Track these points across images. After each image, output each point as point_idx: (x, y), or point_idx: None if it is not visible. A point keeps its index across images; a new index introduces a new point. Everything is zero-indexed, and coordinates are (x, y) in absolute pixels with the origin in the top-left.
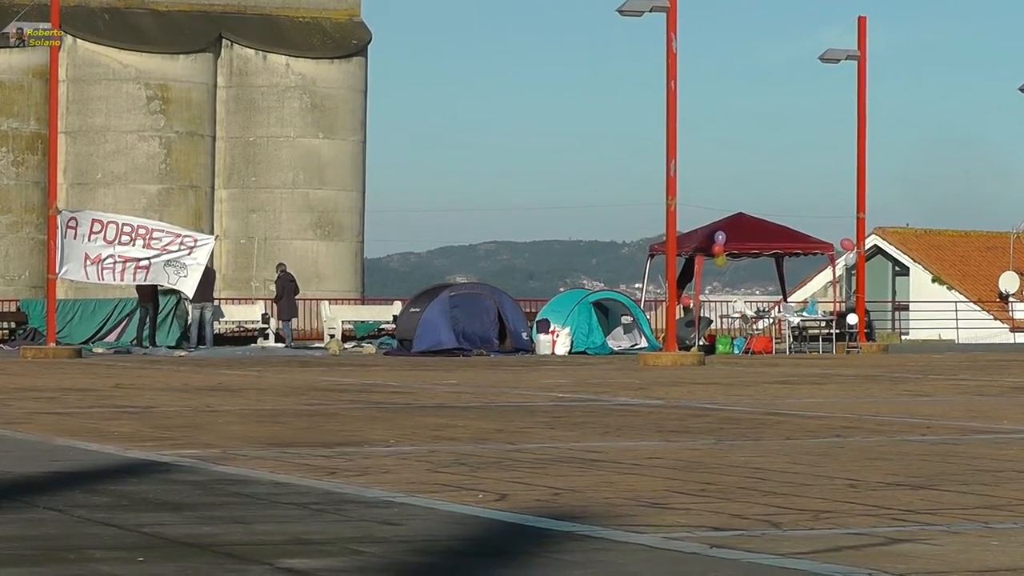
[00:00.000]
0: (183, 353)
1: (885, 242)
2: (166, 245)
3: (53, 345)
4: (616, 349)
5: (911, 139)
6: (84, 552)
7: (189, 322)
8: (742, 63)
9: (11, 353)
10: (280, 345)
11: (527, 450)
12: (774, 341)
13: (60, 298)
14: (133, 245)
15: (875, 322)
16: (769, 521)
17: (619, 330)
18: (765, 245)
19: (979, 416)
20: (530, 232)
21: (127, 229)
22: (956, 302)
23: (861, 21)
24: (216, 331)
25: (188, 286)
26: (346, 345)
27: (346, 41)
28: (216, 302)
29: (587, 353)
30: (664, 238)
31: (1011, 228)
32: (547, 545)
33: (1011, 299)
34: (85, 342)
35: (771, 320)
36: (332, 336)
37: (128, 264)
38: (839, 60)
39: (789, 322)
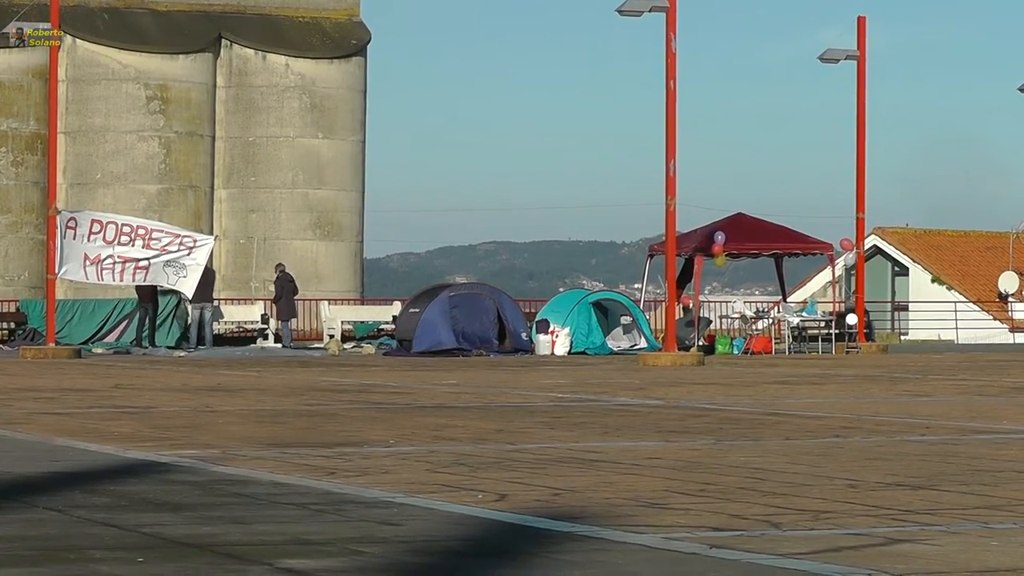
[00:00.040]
0: (183, 353)
1: (885, 242)
2: (165, 245)
3: (52, 345)
4: (615, 349)
5: (911, 139)
6: (84, 552)
7: (189, 322)
8: (742, 63)
9: (11, 353)
10: (277, 345)
11: (527, 450)
12: (773, 341)
13: (59, 298)
14: (132, 245)
15: (875, 322)
16: (769, 521)
17: (619, 330)
18: (765, 245)
19: (979, 416)
20: (530, 232)
21: (126, 229)
22: (955, 302)
23: (861, 21)
24: (216, 331)
25: (187, 286)
26: (345, 345)
27: (346, 41)
28: (216, 302)
29: (587, 353)
30: (664, 238)
31: (1011, 228)
32: (547, 545)
33: (1010, 299)
34: (84, 342)
35: (770, 320)
36: (332, 336)
37: (127, 264)
38: (839, 60)
39: (788, 322)
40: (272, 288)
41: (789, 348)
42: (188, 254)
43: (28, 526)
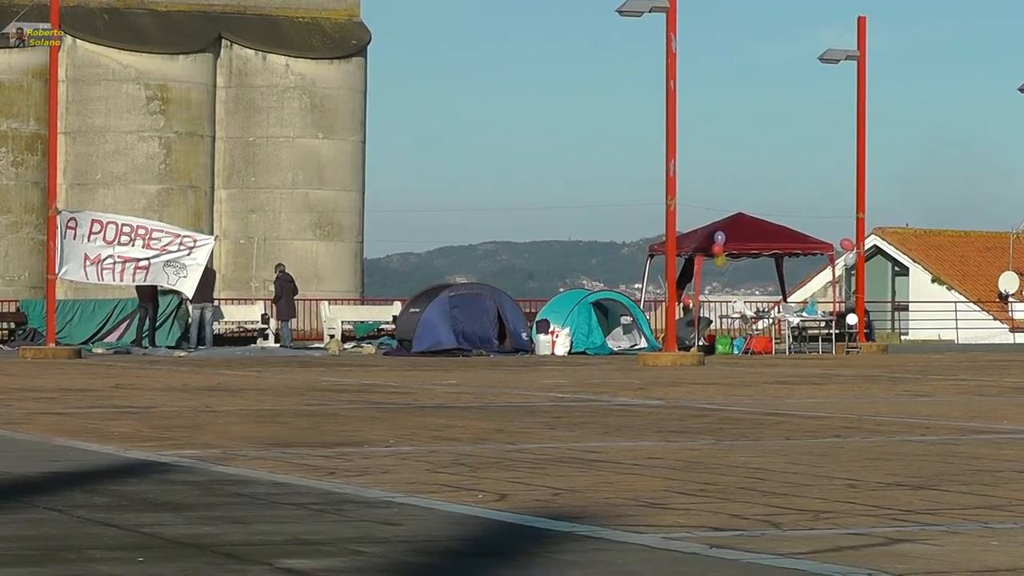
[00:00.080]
0: (183, 353)
1: (885, 242)
2: (165, 245)
3: (53, 345)
4: (616, 349)
5: (911, 139)
6: (84, 552)
7: (190, 322)
8: (742, 63)
9: (11, 353)
10: (276, 345)
11: (527, 450)
12: (774, 341)
13: (60, 298)
14: (132, 245)
15: (875, 322)
16: (769, 521)
17: (619, 330)
18: (765, 245)
19: (979, 416)
20: (530, 232)
21: (126, 229)
22: (956, 302)
23: (861, 21)
24: (216, 331)
25: (187, 286)
26: (346, 345)
27: (346, 41)
28: (216, 302)
29: (587, 353)
30: (664, 238)
31: (1011, 228)
32: (547, 545)
33: (1010, 299)
34: (85, 342)
35: (771, 320)
36: (332, 336)
37: (127, 264)
38: (839, 60)
39: (789, 322)
40: (272, 288)
41: (789, 348)
42: (188, 254)
43: (28, 526)
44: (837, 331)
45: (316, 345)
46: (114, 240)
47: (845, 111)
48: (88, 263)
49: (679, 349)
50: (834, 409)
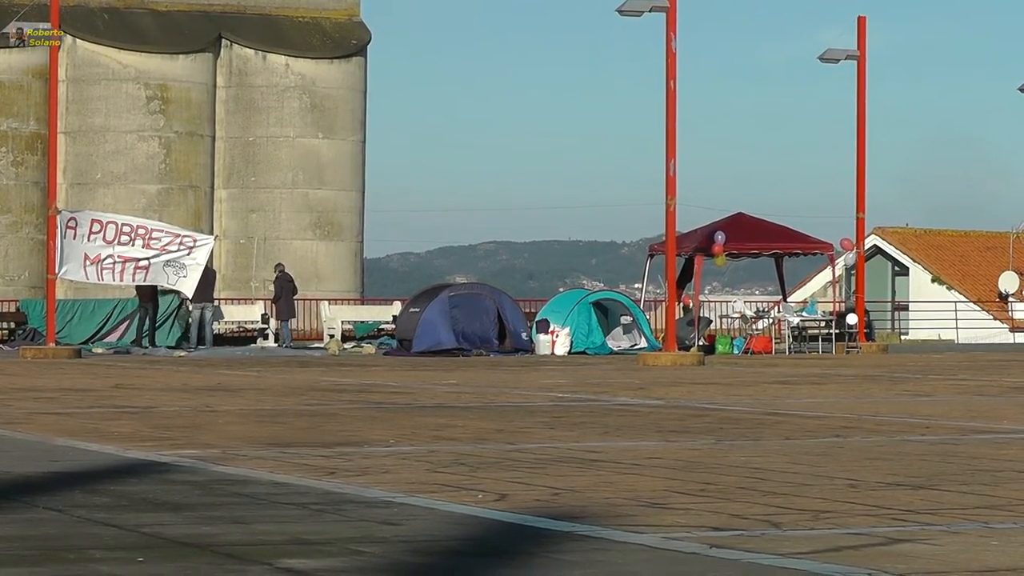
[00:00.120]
0: (183, 353)
1: (885, 242)
2: (165, 245)
3: (53, 345)
4: (616, 349)
5: (911, 139)
6: (84, 552)
7: (190, 322)
8: (742, 63)
9: (11, 353)
10: (275, 345)
11: (527, 450)
12: (774, 341)
13: (60, 298)
14: (132, 245)
15: (875, 322)
16: (769, 521)
17: (619, 330)
18: (765, 245)
19: (979, 416)
20: (530, 232)
21: (126, 229)
22: (956, 302)
23: (861, 21)
24: (216, 331)
25: (187, 286)
26: (346, 345)
27: (346, 41)
28: (216, 302)
29: (587, 353)
30: (664, 238)
31: (1011, 228)
32: (547, 545)
33: (1010, 299)
34: (85, 342)
35: (771, 320)
36: (332, 336)
37: (127, 264)
38: (839, 60)
39: (789, 322)
40: (272, 288)
41: (789, 348)
42: (188, 254)
43: (28, 526)
44: (837, 331)
45: (316, 345)
46: (114, 240)
47: (845, 111)
48: (88, 263)
49: (679, 349)
50: (834, 409)
